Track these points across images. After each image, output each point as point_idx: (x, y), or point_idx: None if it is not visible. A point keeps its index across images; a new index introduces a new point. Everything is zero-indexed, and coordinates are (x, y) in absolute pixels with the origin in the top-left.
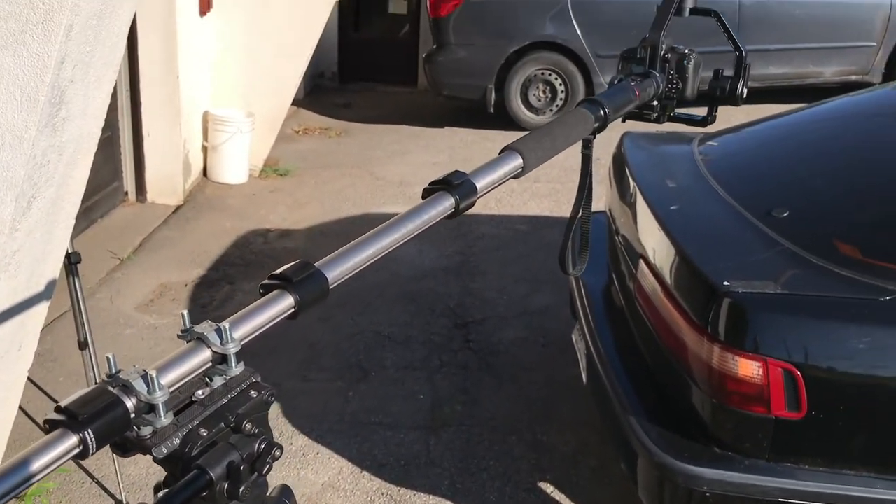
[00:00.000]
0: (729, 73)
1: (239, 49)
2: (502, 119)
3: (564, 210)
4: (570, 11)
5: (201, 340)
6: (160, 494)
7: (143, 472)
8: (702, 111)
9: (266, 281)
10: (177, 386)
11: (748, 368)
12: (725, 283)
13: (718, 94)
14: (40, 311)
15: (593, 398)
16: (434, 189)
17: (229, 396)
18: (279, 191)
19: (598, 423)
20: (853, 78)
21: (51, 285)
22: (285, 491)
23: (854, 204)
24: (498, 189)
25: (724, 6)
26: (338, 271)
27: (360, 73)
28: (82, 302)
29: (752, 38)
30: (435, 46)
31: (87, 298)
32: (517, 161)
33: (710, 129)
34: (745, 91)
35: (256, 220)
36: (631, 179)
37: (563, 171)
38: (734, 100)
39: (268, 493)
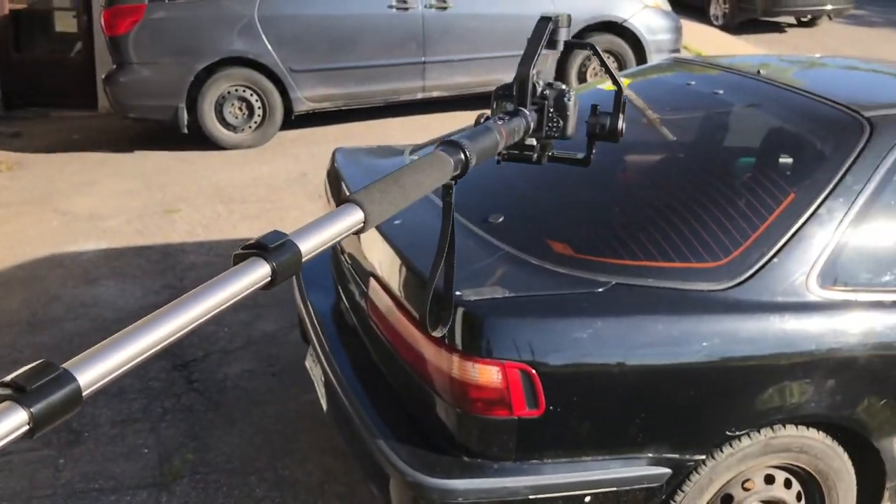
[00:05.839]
0: (606, 108)
1: None
2: (199, 139)
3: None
4: (258, 25)
5: None
6: None
7: None
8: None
9: None
10: None
11: (488, 374)
12: (457, 292)
13: (598, 130)
14: None
15: (336, 424)
16: (246, 254)
17: None
18: None
19: (340, 449)
20: None
21: None
22: None
23: (559, 204)
24: (203, 213)
25: (408, 19)
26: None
27: (28, 98)
28: None
29: (436, 49)
30: (115, 66)
31: None
32: (356, 216)
33: (408, 141)
34: (624, 126)
35: None
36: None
37: (270, 190)
38: (614, 136)
39: None
